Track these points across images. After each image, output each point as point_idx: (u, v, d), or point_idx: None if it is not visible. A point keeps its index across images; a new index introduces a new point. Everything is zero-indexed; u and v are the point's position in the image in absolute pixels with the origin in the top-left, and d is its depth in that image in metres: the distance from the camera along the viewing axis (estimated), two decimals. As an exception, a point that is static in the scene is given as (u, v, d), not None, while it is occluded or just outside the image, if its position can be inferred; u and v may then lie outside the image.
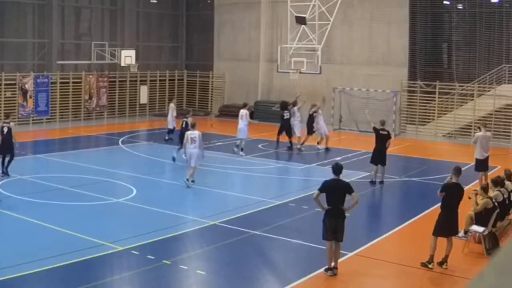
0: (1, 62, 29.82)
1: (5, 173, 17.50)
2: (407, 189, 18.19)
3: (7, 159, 17.62)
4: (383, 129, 18.26)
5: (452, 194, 11.24)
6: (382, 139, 18.07)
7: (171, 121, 24.85)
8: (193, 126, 17.51)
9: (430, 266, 11.06)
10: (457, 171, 11.49)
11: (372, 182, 18.01)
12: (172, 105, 25.29)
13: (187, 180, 16.89)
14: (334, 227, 10.61)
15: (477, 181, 17.32)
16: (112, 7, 34.74)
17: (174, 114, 24.91)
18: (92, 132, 28.57)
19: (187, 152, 17.07)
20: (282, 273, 11.19)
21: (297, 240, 12.49)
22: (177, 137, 20.96)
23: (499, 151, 23.52)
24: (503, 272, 2.13)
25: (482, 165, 17.50)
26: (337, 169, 10.92)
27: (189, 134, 17.12)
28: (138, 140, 27.11)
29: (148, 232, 12.63)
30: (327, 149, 23.83)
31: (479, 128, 18.50)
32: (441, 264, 11.10)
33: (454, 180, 11.40)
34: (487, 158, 17.53)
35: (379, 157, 18.01)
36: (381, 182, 18.08)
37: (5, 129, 17.55)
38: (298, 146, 23.72)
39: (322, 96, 27.05)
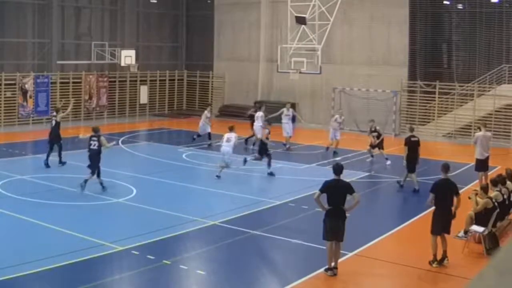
0: (1, 62, 29.81)
1: (62, 163, 19.30)
2: (407, 189, 18.16)
3: (52, 152, 19.21)
4: (413, 136, 17.94)
5: (443, 191, 11.26)
6: (412, 146, 17.68)
7: (201, 126, 24.98)
8: (231, 129, 18.99)
9: (434, 265, 11.09)
10: (445, 167, 11.60)
11: (401, 186, 17.96)
12: (206, 112, 25.39)
13: (217, 176, 18.27)
14: (334, 227, 10.60)
15: (477, 181, 17.32)
16: (112, 7, 34.73)
17: (207, 121, 25.03)
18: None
19: (221, 149, 18.76)
20: (282, 273, 11.19)
21: (297, 240, 12.49)
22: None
23: (499, 151, 23.51)
24: (503, 272, 2.13)
25: (482, 165, 17.50)
26: (338, 169, 10.92)
27: (227, 135, 18.89)
28: (138, 140, 27.11)
29: (148, 232, 12.63)
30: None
31: (479, 128, 18.49)
32: (441, 261, 11.11)
33: (443, 177, 11.46)
34: (487, 158, 17.53)
35: (410, 164, 17.55)
36: (416, 191, 17.37)
37: (53, 122, 19.64)
38: (287, 146, 24.28)
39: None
